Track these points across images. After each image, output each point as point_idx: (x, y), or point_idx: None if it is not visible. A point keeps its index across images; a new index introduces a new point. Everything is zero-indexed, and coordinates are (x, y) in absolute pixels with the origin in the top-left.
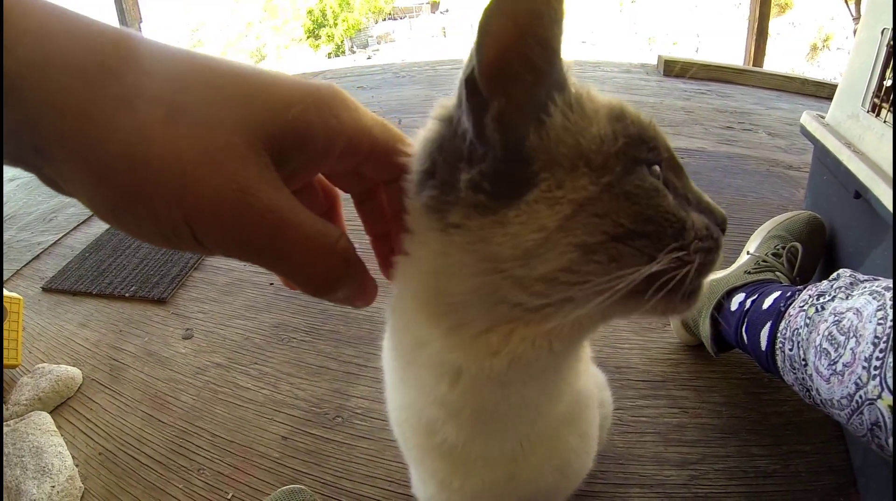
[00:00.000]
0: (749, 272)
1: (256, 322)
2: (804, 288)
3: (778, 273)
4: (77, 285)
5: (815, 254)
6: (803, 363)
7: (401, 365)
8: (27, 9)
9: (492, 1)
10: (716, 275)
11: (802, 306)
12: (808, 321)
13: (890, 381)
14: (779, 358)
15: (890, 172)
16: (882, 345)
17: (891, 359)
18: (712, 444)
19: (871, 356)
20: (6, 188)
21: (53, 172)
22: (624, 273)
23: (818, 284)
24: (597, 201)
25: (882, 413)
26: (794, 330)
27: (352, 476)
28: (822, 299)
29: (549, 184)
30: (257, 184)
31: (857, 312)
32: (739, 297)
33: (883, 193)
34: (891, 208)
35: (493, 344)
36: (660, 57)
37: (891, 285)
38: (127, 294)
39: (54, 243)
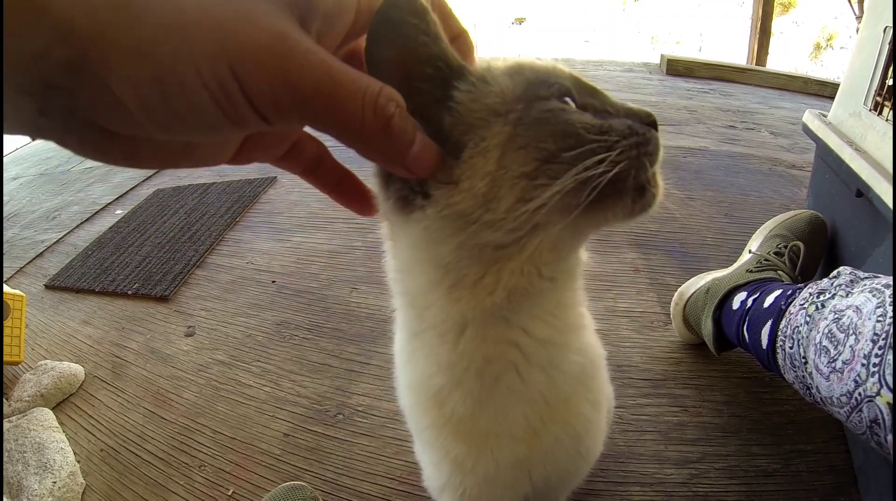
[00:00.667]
0: (751, 271)
1: (259, 320)
2: (805, 286)
3: (780, 272)
4: (80, 282)
5: (817, 253)
6: (803, 360)
7: (409, 339)
8: None
9: (369, 36)
10: (718, 274)
11: (803, 303)
12: (808, 318)
13: (889, 378)
14: (779, 356)
15: (891, 170)
16: (881, 342)
17: (890, 356)
18: (713, 443)
19: (870, 353)
20: (9, 187)
21: (90, 87)
22: (563, 187)
23: (819, 281)
24: (516, 137)
25: (881, 410)
26: (794, 328)
27: (352, 473)
28: (822, 297)
29: (474, 141)
30: (294, 32)
31: (857, 309)
32: (741, 296)
33: (885, 191)
34: (892, 206)
35: (488, 285)
36: (662, 56)
37: (891, 283)
38: (129, 292)
39: (57, 240)
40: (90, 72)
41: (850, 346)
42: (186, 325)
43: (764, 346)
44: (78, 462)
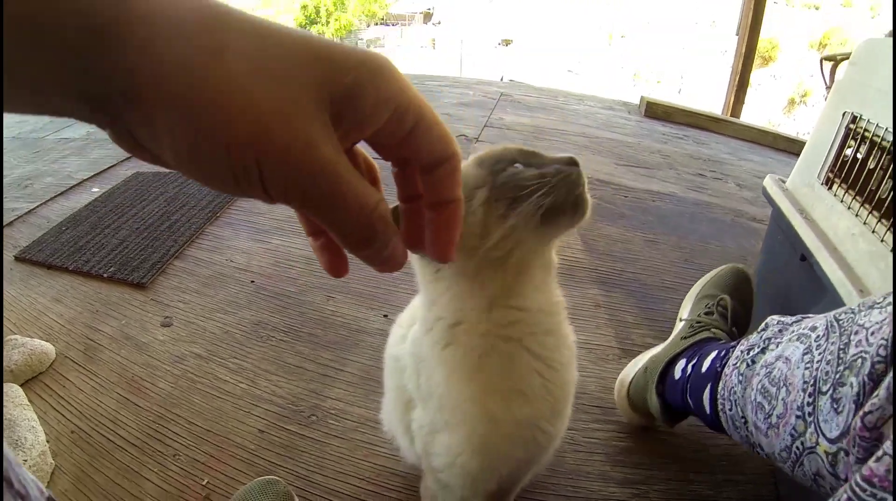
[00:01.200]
0: (686, 337)
1: (237, 318)
2: (737, 344)
3: (714, 330)
4: (52, 258)
5: (745, 303)
6: (743, 420)
7: (442, 332)
8: None
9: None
10: (654, 351)
11: (735, 363)
12: (741, 377)
13: (823, 425)
14: (722, 419)
15: (835, 242)
16: (811, 389)
17: (822, 402)
18: (654, 468)
19: (802, 403)
20: None
21: (137, 117)
22: (524, 212)
23: (749, 337)
24: (489, 198)
25: (822, 461)
26: (730, 390)
27: (324, 472)
28: (752, 353)
29: (469, 207)
30: (320, 139)
31: (786, 360)
32: (681, 363)
33: (824, 259)
34: (830, 274)
35: (500, 278)
36: (642, 98)
37: (816, 325)
38: (105, 274)
39: (29, 211)
40: (141, 108)
41: (783, 399)
42: (163, 315)
43: (707, 411)
44: (48, 442)
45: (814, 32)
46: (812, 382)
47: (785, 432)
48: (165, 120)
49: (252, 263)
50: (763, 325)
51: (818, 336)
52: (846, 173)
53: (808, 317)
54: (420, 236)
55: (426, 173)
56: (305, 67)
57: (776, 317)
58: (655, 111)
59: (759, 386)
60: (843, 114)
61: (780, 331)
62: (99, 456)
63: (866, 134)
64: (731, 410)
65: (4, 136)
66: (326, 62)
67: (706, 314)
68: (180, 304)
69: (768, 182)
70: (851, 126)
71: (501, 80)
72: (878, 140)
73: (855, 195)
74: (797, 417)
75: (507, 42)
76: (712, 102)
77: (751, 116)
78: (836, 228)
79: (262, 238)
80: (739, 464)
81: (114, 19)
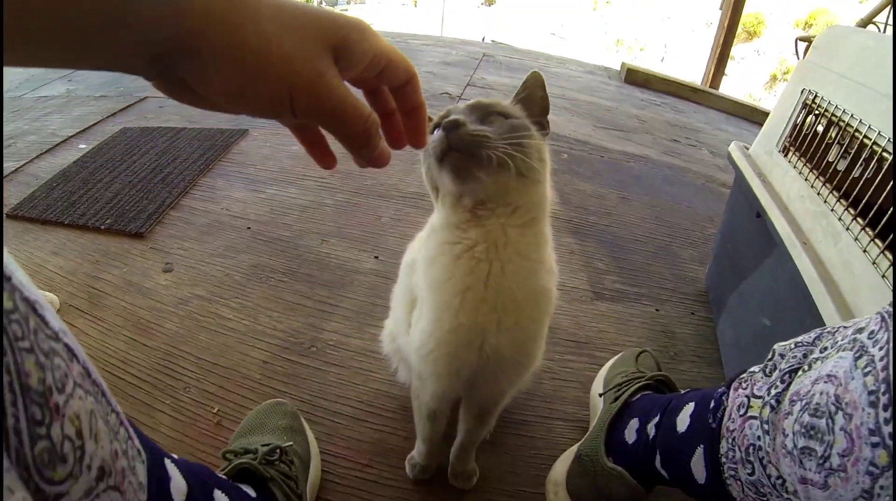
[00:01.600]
0: (617, 399)
1: (236, 261)
2: (725, 392)
3: (643, 381)
4: (46, 214)
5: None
6: (779, 481)
7: (429, 232)
8: None
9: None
10: (575, 446)
11: (745, 413)
12: (766, 427)
13: None
14: (734, 488)
15: (787, 202)
16: (884, 400)
17: None
18: None
19: (877, 422)
20: None
21: (194, 67)
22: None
23: (749, 375)
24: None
25: None
26: (748, 447)
27: (326, 396)
28: (772, 392)
29: None
30: (330, 73)
31: (831, 378)
32: (633, 424)
33: (776, 216)
34: (779, 229)
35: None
36: (623, 64)
37: (862, 326)
38: (102, 226)
39: (15, 170)
40: (200, 60)
41: (842, 428)
42: (164, 262)
43: (701, 480)
44: None
45: (801, 11)
46: (883, 389)
47: (858, 472)
48: (219, 68)
49: (248, 211)
50: (769, 355)
51: (872, 332)
52: (800, 143)
53: (842, 327)
54: (398, 138)
55: (397, 92)
56: (313, 25)
57: (782, 344)
58: (635, 78)
59: (798, 427)
60: (802, 90)
61: (804, 356)
62: (112, 394)
63: (820, 110)
64: (752, 474)
65: None
66: (327, 21)
67: (629, 374)
68: (180, 251)
69: (733, 148)
70: (808, 102)
71: (483, 41)
72: (829, 116)
73: (805, 162)
74: (872, 445)
75: (490, 2)
76: (694, 73)
77: (732, 88)
78: (788, 190)
79: (257, 188)
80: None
81: None
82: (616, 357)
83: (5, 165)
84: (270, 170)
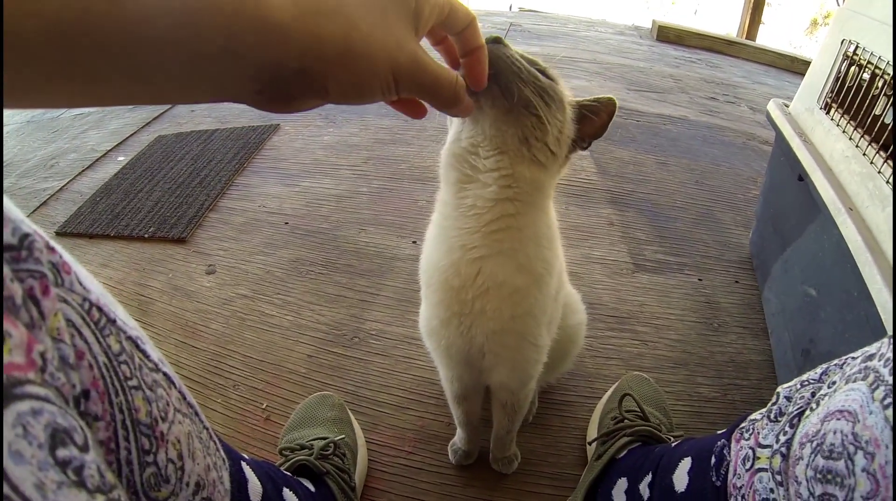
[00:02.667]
0: (601, 456)
1: (275, 257)
2: (726, 443)
3: (627, 432)
4: (93, 228)
5: (651, 400)
6: None
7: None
8: None
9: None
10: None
11: (751, 465)
12: (778, 477)
13: None
14: None
15: (831, 164)
16: None
17: None
18: (665, 371)
19: None
20: None
21: (305, 82)
22: None
23: (751, 424)
24: None
25: None
26: None
27: (370, 386)
28: (781, 438)
29: None
30: (419, 50)
31: (843, 413)
32: (621, 484)
33: (818, 179)
34: (822, 193)
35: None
36: (654, 22)
37: (872, 352)
38: (146, 235)
39: (60, 188)
40: (312, 77)
41: (864, 469)
42: (206, 264)
43: None
44: None
45: None
46: None
47: None
48: (334, 77)
49: (284, 206)
50: (774, 397)
51: (887, 358)
52: (842, 99)
53: (850, 358)
54: (474, 82)
55: (458, 35)
56: (391, 6)
57: (784, 386)
58: (667, 35)
59: (812, 472)
60: (842, 41)
61: (811, 395)
62: None
63: (861, 61)
64: None
65: (19, 120)
66: (400, 2)
67: (617, 423)
68: (220, 252)
69: (772, 106)
70: (849, 54)
71: (510, 9)
72: (872, 68)
73: (850, 120)
74: None
75: None
76: (730, 25)
77: (771, 37)
78: (831, 150)
79: (292, 182)
80: (743, 370)
81: (283, 21)
82: (608, 394)
83: (50, 184)
84: (304, 163)
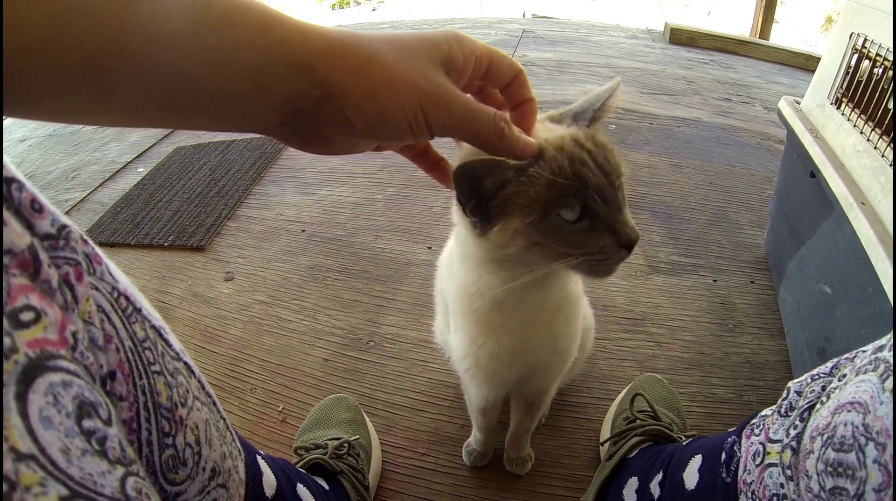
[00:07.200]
0: (610, 456)
1: (293, 264)
2: (737, 440)
3: (638, 432)
4: (113, 237)
5: (664, 400)
6: None
7: (460, 259)
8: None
9: (458, 171)
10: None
11: (762, 461)
12: (788, 471)
13: None
14: None
15: (842, 159)
16: None
17: None
18: (679, 373)
19: None
20: (18, 149)
21: (328, 114)
22: (540, 262)
23: (761, 420)
24: (524, 229)
25: None
26: (770, 499)
27: (385, 389)
28: (791, 433)
29: (502, 223)
30: (449, 85)
31: (854, 405)
32: (632, 484)
33: (830, 175)
34: (834, 188)
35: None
36: (666, 24)
37: (882, 344)
38: (165, 244)
39: (81, 200)
40: (333, 105)
41: (876, 460)
42: (225, 271)
43: None
44: None
45: None
46: None
47: None
48: (356, 106)
49: (301, 214)
50: (784, 392)
51: (893, 344)
52: (853, 93)
53: (861, 351)
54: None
55: (505, 89)
56: (420, 45)
57: (797, 379)
58: (680, 37)
59: (822, 466)
60: (851, 35)
61: (822, 389)
62: None
63: (870, 54)
64: None
65: (41, 133)
66: (428, 40)
67: (629, 423)
68: (239, 260)
69: (783, 104)
70: (858, 47)
71: (524, 16)
72: (882, 60)
73: (860, 114)
74: None
75: None
76: (744, 25)
77: (786, 36)
78: (843, 145)
79: (308, 191)
80: (759, 371)
81: (311, 53)
82: (621, 396)
83: (72, 195)
84: (321, 171)
